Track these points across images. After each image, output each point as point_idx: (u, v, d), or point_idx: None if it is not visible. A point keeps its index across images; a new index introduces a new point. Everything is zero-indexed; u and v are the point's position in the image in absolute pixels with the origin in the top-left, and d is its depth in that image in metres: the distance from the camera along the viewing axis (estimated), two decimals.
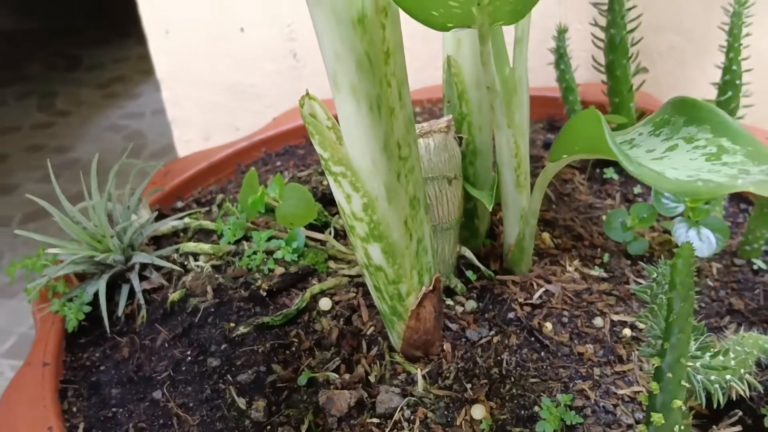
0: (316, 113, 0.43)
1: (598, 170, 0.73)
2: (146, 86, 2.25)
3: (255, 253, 0.58)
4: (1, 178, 1.81)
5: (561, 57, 0.73)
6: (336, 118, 0.43)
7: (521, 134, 0.52)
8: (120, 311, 0.61)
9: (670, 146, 0.37)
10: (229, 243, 0.61)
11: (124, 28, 2.59)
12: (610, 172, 0.73)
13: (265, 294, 0.56)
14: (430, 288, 0.48)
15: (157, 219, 0.72)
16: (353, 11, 0.38)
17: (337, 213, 0.65)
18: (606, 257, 0.60)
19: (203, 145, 1.02)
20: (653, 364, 0.37)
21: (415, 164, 0.45)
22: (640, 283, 0.57)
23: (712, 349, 0.44)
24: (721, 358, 0.44)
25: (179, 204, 0.75)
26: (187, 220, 0.66)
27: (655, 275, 0.42)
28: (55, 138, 1.99)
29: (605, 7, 0.67)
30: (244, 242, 0.61)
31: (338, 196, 0.44)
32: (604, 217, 0.65)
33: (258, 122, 0.99)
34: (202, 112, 0.99)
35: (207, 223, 0.65)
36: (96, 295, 0.62)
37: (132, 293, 0.62)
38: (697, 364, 0.43)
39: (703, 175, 0.32)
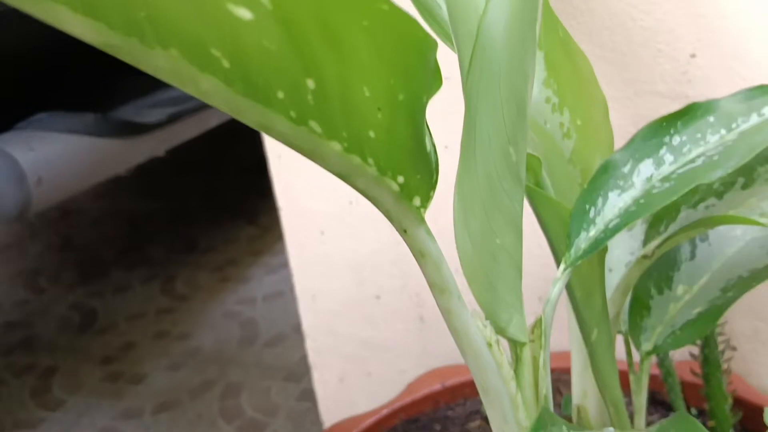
0: None
1: None
2: (256, 269, 2.47)
3: None
4: (131, 367, 2.01)
5: (662, 361, 0.86)
6: None
7: None
8: None
9: None
10: None
11: (234, 209, 2.86)
12: None
13: None
14: None
15: None
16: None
17: None
18: None
19: (338, 385, 1.18)
20: None
21: None
22: None
23: None
24: None
25: None
26: None
27: None
28: (177, 325, 2.20)
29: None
30: None
31: None
32: None
33: (387, 370, 1.15)
34: (339, 359, 1.16)
35: None
36: None
37: None
38: None
39: None
